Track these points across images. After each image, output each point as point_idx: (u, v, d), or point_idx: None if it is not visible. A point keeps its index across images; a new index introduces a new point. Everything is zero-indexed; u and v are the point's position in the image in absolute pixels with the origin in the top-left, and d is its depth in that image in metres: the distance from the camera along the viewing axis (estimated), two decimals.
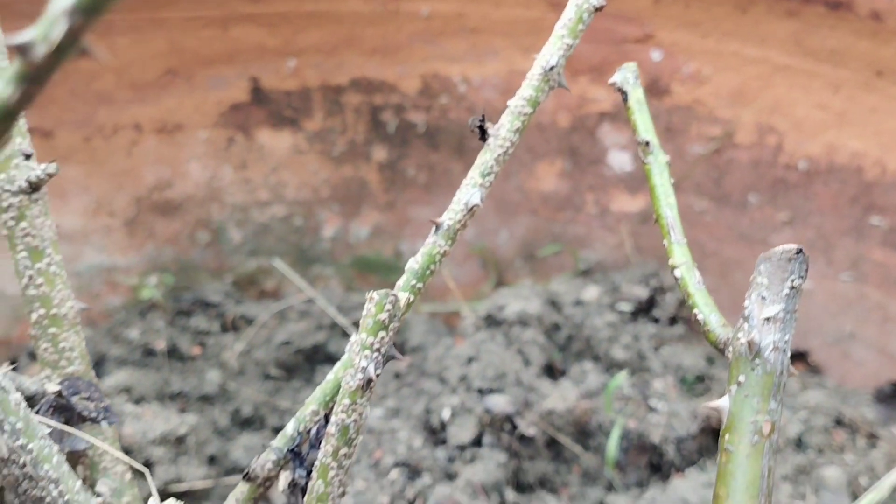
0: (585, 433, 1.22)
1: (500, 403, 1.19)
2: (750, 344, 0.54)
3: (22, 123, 0.66)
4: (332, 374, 0.71)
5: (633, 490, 1.19)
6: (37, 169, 0.66)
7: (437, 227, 0.71)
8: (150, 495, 0.60)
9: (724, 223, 1.34)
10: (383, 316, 0.64)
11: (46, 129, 1.32)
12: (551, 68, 0.68)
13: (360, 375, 0.63)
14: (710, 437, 1.21)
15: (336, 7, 1.34)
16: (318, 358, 1.42)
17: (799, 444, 1.19)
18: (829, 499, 1.12)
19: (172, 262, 1.43)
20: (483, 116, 0.71)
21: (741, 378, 0.55)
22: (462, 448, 1.20)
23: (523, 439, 1.19)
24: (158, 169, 1.38)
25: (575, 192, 1.42)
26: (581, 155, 1.39)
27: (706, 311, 0.60)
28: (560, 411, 1.19)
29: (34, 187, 0.66)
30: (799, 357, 1.31)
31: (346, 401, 0.63)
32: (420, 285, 0.71)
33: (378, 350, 0.64)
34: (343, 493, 0.65)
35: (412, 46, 1.37)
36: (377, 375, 0.63)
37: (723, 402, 0.55)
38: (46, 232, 0.67)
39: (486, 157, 0.72)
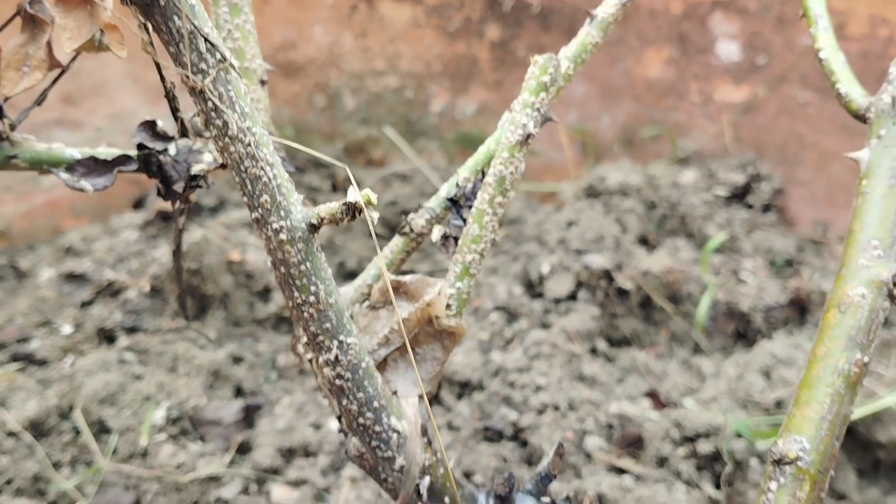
0: (676, 299, 1.28)
1: (598, 260, 1.25)
2: (893, 100, 0.59)
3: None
4: (483, 147, 0.77)
5: (718, 354, 1.25)
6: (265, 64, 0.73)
7: (592, 18, 0.77)
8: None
9: (827, 115, 1.37)
10: (545, 78, 0.70)
11: None
12: None
13: (520, 131, 0.69)
14: (798, 309, 1.26)
15: None
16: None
17: (886, 321, 1.22)
18: None
19: (290, 121, 1.51)
20: None
21: (882, 132, 0.60)
22: (558, 301, 1.27)
23: (619, 294, 1.25)
24: (286, 30, 1.46)
25: (680, 80, 1.46)
26: (690, 43, 1.43)
27: (848, 85, 0.65)
28: (655, 272, 1.25)
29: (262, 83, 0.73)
30: None
31: (506, 154, 0.70)
32: (572, 69, 0.76)
33: (538, 109, 0.70)
34: (494, 241, 0.72)
35: None
36: (536, 132, 0.70)
37: (862, 154, 0.61)
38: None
39: None
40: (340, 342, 0.63)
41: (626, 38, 1.48)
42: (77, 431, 1.06)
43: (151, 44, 0.57)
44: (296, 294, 0.61)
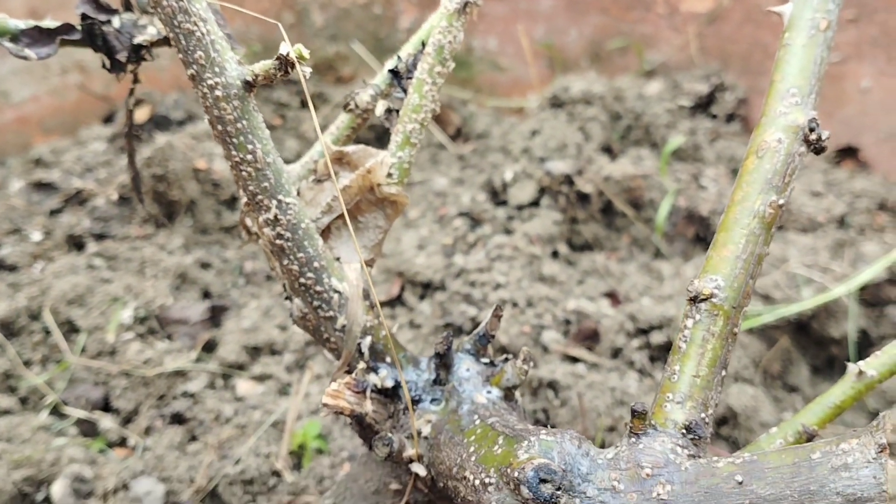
0: (638, 205, 1.30)
1: (559, 166, 1.27)
2: None
3: None
4: (426, 24, 0.78)
5: (678, 258, 1.27)
6: None
7: None
8: None
9: None
10: None
11: None
12: None
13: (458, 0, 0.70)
14: None
15: None
16: (387, 138, 1.50)
17: (842, 223, 1.25)
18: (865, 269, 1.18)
19: (258, 38, 1.51)
20: None
21: None
22: (521, 208, 1.28)
23: (580, 198, 1.26)
24: None
25: None
26: None
27: None
28: (616, 177, 1.27)
29: None
30: (849, 153, 1.36)
31: (444, 23, 0.71)
32: None
33: None
34: (434, 111, 0.73)
35: None
36: (475, 0, 0.70)
37: (785, 8, 0.62)
38: None
39: None
40: (279, 201, 0.64)
41: None
42: (47, 332, 1.08)
43: None
44: (234, 153, 0.63)
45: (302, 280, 0.67)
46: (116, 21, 0.73)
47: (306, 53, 0.61)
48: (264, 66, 0.62)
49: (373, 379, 0.69)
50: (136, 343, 1.07)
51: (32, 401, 1.03)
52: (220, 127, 0.63)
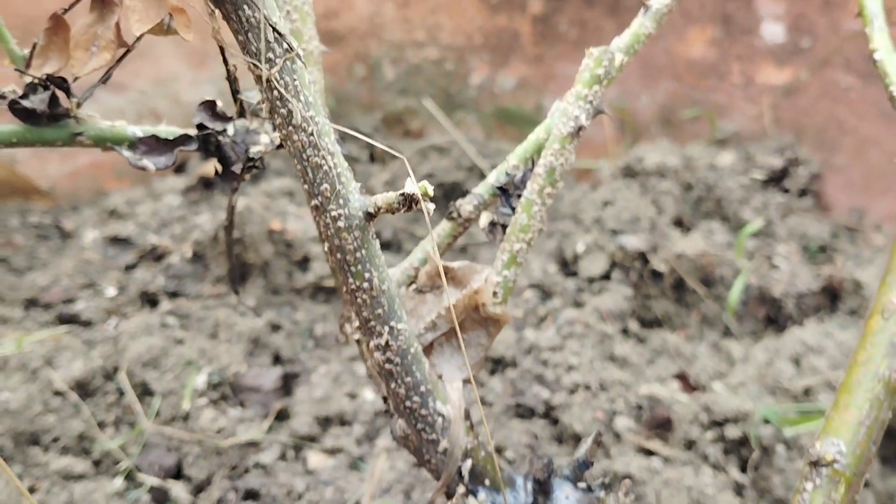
0: (709, 281, 1.29)
1: (633, 241, 1.26)
2: None
3: None
4: (532, 135, 0.78)
5: (748, 338, 1.26)
6: None
7: (646, 8, 0.77)
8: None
9: (868, 100, 1.36)
10: (599, 71, 0.71)
11: None
12: None
13: (572, 123, 0.70)
14: (830, 297, 1.27)
15: None
16: (455, 194, 1.51)
17: None
18: None
19: (330, 90, 1.52)
20: None
21: None
22: (592, 280, 1.28)
23: (652, 276, 1.26)
24: None
25: (722, 60, 1.45)
26: (734, 23, 1.42)
27: None
28: (689, 255, 1.26)
29: None
30: None
31: (557, 145, 0.71)
32: (626, 59, 0.77)
33: (591, 102, 0.71)
34: (541, 230, 0.73)
35: None
36: (587, 125, 0.70)
37: None
38: None
39: None
40: (391, 328, 0.64)
41: (668, 16, 1.47)
42: (121, 393, 1.09)
43: (220, 31, 0.58)
44: (350, 280, 0.63)
45: (408, 403, 0.67)
46: (231, 128, 0.74)
47: (431, 190, 0.61)
48: (387, 199, 0.62)
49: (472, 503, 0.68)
50: (209, 410, 1.08)
51: (106, 464, 1.04)
52: (339, 255, 0.63)
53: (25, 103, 0.65)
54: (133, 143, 0.71)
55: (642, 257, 1.25)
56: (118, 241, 1.28)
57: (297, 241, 1.28)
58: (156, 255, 1.26)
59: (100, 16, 0.65)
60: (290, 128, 0.60)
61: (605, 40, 1.57)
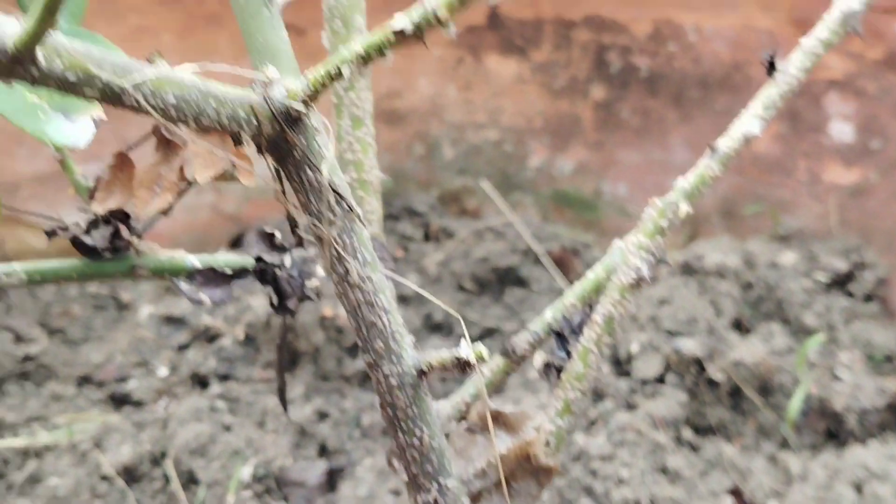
0: (767, 389, 1.25)
1: (689, 346, 1.23)
2: None
3: (362, 3, 0.74)
4: (591, 273, 0.76)
5: (806, 451, 1.22)
6: None
7: (713, 150, 0.75)
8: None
9: None
10: (663, 222, 0.69)
11: (300, 28, 1.42)
12: (853, 13, 0.71)
13: (633, 273, 0.69)
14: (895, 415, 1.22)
15: None
16: (509, 279, 1.49)
17: None
18: None
19: (388, 168, 1.52)
20: (774, 51, 0.74)
21: None
22: (645, 382, 1.25)
23: (708, 383, 1.23)
24: (392, 79, 1.47)
25: (787, 157, 1.42)
26: (801, 120, 1.39)
27: None
28: (747, 363, 1.22)
29: (365, 61, 0.74)
30: None
31: (616, 295, 0.69)
32: (687, 203, 0.75)
33: (653, 254, 0.69)
34: (596, 378, 0.71)
35: None
36: (649, 277, 0.69)
37: None
38: (367, 105, 0.75)
39: (770, 92, 0.75)
40: (440, 485, 0.63)
41: (734, 110, 1.44)
42: (167, 479, 1.09)
43: (284, 192, 0.58)
44: (400, 436, 0.62)
45: None
46: (288, 259, 0.74)
47: (486, 354, 0.60)
48: (440, 358, 0.61)
49: None
50: (253, 503, 1.08)
51: None
52: (390, 411, 0.62)
53: (87, 239, 0.66)
54: (191, 274, 0.71)
55: (698, 363, 1.22)
56: (172, 320, 1.29)
57: (348, 327, 1.28)
58: (208, 336, 1.27)
59: (164, 157, 0.66)
60: (347, 285, 0.60)
61: (667, 130, 1.56)
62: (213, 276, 0.70)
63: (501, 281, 1.50)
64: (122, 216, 0.67)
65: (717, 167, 0.76)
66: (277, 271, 0.72)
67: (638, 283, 0.69)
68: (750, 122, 0.76)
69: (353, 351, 1.29)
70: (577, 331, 0.74)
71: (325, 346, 1.26)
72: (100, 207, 0.66)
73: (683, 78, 1.44)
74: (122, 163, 0.66)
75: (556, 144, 1.53)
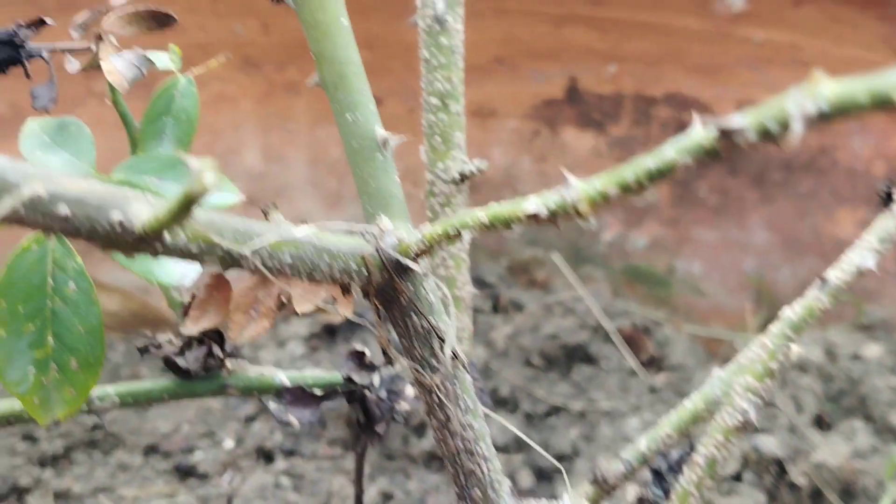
0: (850, 493, 1.20)
1: (769, 445, 1.18)
2: None
3: (462, 119, 0.73)
4: (689, 403, 0.73)
5: None
6: (469, 164, 0.72)
7: (824, 282, 0.72)
8: None
9: None
10: (774, 364, 0.66)
11: (378, 97, 1.42)
12: None
13: (739, 416, 0.65)
14: None
15: (669, 21, 1.35)
16: (577, 355, 1.46)
17: None
18: None
19: None
20: (892, 182, 0.71)
21: None
22: (722, 479, 1.21)
23: (789, 486, 1.18)
24: (466, 149, 1.45)
25: None
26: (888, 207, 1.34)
27: None
28: (830, 465, 1.17)
29: (463, 179, 0.72)
30: None
31: (720, 437, 0.66)
32: (794, 336, 0.72)
33: (761, 396, 0.66)
34: None
35: (736, 70, 1.37)
36: (755, 421, 0.65)
37: None
38: None
39: (888, 224, 0.71)
40: None
41: (818, 193, 1.41)
42: None
43: (389, 340, 0.56)
44: None
45: None
46: (377, 378, 0.72)
47: None
48: None
49: None
50: None
51: None
52: None
53: (181, 361, 0.65)
54: (279, 393, 0.70)
55: (778, 464, 1.17)
56: None
57: (415, 406, 1.26)
58: None
59: (262, 281, 0.64)
60: (447, 432, 0.58)
61: (746, 210, 1.52)
62: (301, 396, 0.69)
63: (570, 357, 1.46)
64: (216, 336, 0.66)
65: (827, 300, 0.73)
66: (366, 392, 0.70)
67: (744, 427, 0.66)
68: (863, 255, 0.73)
69: (419, 430, 1.27)
70: (675, 468, 0.71)
71: (392, 425, 1.24)
72: (193, 326, 0.64)
73: (766, 159, 1.41)
74: (219, 283, 0.65)
75: (629, 219, 1.50)
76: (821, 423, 1.29)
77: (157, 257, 0.41)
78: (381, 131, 0.52)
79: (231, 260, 0.44)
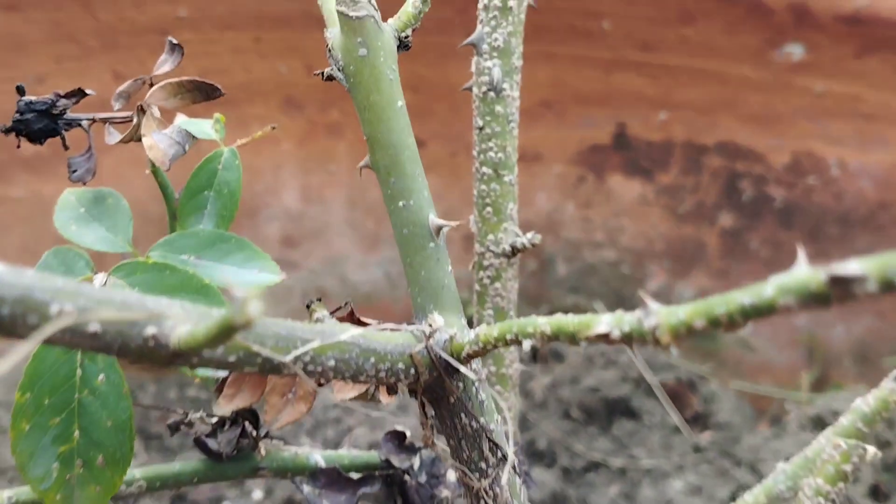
0: None
1: None
2: None
3: (515, 189, 0.69)
4: (751, 497, 0.69)
5: None
6: (522, 237, 0.68)
7: None
8: None
9: None
10: (847, 467, 0.61)
11: (421, 139, 1.38)
12: None
13: None
14: None
15: (724, 68, 1.31)
16: (618, 409, 1.41)
17: None
18: None
19: None
20: None
21: None
22: None
23: None
24: None
25: None
26: None
27: None
28: None
29: (515, 252, 0.68)
30: None
31: None
32: (867, 430, 0.67)
33: (833, 501, 0.61)
34: None
35: (793, 120, 1.32)
36: None
37: None
38: (513, 294, 0.69)
39: None
40: None
41: (876, 250, 1.34)
42: None
43: (433, 441, 0.52)
44: None
45: None
46: (417, 461, 0.68)
47: None
48: None
49: None
50: None
51: None
52: None
53: (212, 443, 0.61)
54: (314, 474, 0.66)
55: None
56: None
57: (457, 492, 1.21)
58: None
59: None
60: None
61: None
62: (336, 479, 0.65)
63: (610, 411, 1.41)
64: (249, 416, 0.62)
65: None
66: (406, 476, 0.66)
67: None
68: None
69: None
70: None
71: None
72: (226, 406, 0.61)
73: (822, 213, 1.35)
74: None
75: (676, 269, 1.45)
76: (877, 494, 1.23)
77: (192, 369, 0.37)
78: (434, 219, 0.49)
79: (271, 368, 0.40)
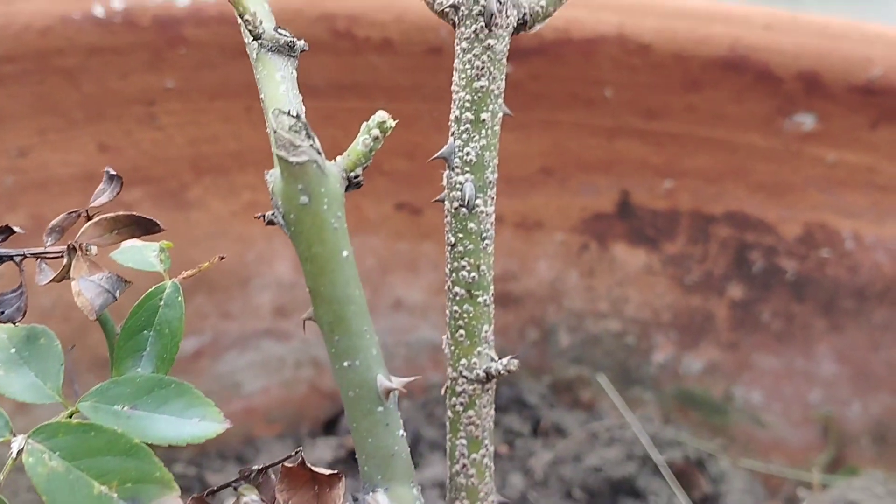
0: None
1: None
2: None
3: (491, 310, 0.65)
4: None
5: None
6: (497, 363, 0.63)
7: None
8: None
9: None
10: None
11: (417, 207, 1.35)
12: None
13: None
14: None
15: (732, 137, 1.26)
16: (622, 489, 1.35)
17: None
18: None
19: (498, 352, 1.41)
20: None
21: None
22: None
23: None
24: (508, 261, 1.38)
25: None
26: None
27: None
28: None
29: (489, 378, 0.63)
30: None
31: None
32: None
33: None
34: None
35: (804, 191, 1.26)
36: None
37: None
38: (488, 422, 0.64)
39: None
40: None
41: (895, 325, 1.29)
42: None
43: None
44: None
45: None
46: None
47: None
48: None
49: None
50: None
51: None
52: None
53: None
54: None
55: None
56: None
57: None
58: None
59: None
60: None
61: (813, 339, 1.40)
62: None
63: (614, 491, 1.35)
64: None
65: None
66: None
67: None
68: None
69: None
70: None
71: None
72: None
73: (836, 286, 1.29)
74: None
75: (684, 341, 1.39)
76: None
77: None
78: (383, 380, 0.44)
79: None
